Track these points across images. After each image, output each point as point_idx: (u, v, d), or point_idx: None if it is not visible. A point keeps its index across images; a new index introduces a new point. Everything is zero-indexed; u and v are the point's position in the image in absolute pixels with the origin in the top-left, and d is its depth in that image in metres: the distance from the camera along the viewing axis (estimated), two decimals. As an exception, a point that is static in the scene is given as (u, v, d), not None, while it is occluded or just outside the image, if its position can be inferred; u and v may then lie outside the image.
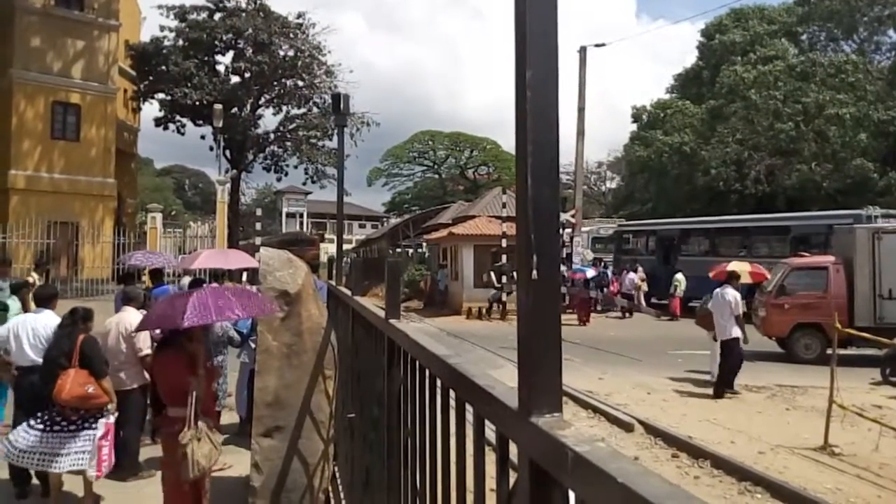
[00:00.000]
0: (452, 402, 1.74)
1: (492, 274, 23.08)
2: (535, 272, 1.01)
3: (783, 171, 32.55)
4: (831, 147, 30.94)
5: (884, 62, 35.45)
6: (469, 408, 1.48)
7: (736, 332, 10.78)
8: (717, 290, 11.20)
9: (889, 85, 31.56)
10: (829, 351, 10.09)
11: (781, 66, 32.86)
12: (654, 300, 24.26)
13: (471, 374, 1.42)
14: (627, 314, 22.87)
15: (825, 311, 12.43)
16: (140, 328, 5.19)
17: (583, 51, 27.31)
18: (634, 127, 43.97)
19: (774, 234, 22.41)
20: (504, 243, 22.75)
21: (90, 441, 5.43)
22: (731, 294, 10.91)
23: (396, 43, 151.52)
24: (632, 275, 23.23)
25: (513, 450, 1.21)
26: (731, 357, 10.81)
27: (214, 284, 4.91)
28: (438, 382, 1.77)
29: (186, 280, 12.79)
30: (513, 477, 1.24)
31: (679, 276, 22.39)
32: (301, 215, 68.06)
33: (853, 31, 36.06)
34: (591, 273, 23.52)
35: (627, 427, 8.85)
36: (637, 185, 44.79)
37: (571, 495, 0.93)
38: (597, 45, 27.78)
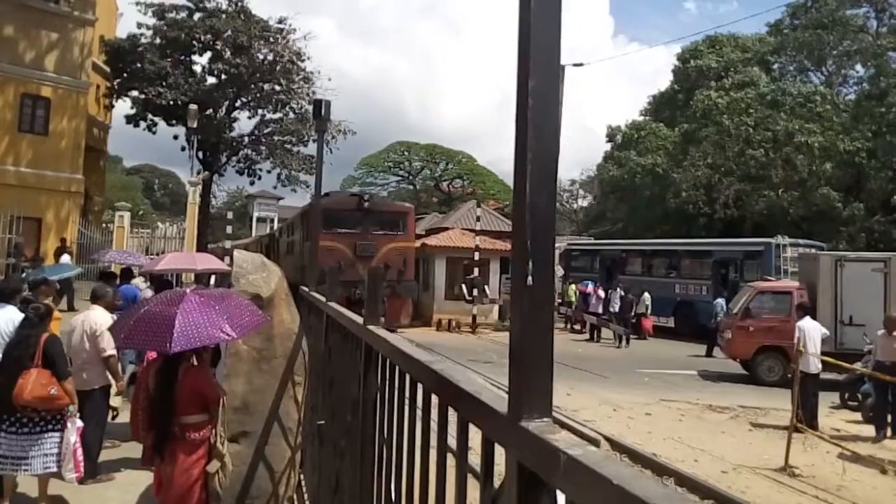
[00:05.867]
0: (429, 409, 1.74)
1: (463, 286, 23.12)
2: (530, 278, 1.02)
3: (751, 196, 33.22)
4: (799, 175, 31.67)
5: (850, 95, 36.50)
6: (451, 415, 1.48)
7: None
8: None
9: (854, 118, 32.44)
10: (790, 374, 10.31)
11: (753, 93, 33.60)
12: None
13: (456, 380, 1.42)
14: (595, 335, 22.57)
15: (788, 334, 12.66)
16: (125, 345, 4.83)
17: (561, 70, 27.61)
18: (608, 147, 44.54)
19: (699, 258, 24.15)
20: (476, 256, 22.79)
21: (56, 443, 5.30)
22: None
23: (369, 51, 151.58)
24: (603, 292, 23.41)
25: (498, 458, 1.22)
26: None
27: (187, 289, 4.67)
28: (420, 388, 1.77)
29: (139, 280, 12.15)
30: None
31: (646, 295, 22.68)
32: (272, 220, 67.49)
33: (822, 64, 37.07)
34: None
35: (594, 443, 8.90)
36: (609, 205, 45.30)
37: (560, 498, 0.94)
38: (575, 65, 28.15)
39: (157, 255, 24.95)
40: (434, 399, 1.63)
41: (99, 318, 6.49)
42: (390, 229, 20.48)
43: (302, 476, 5.41)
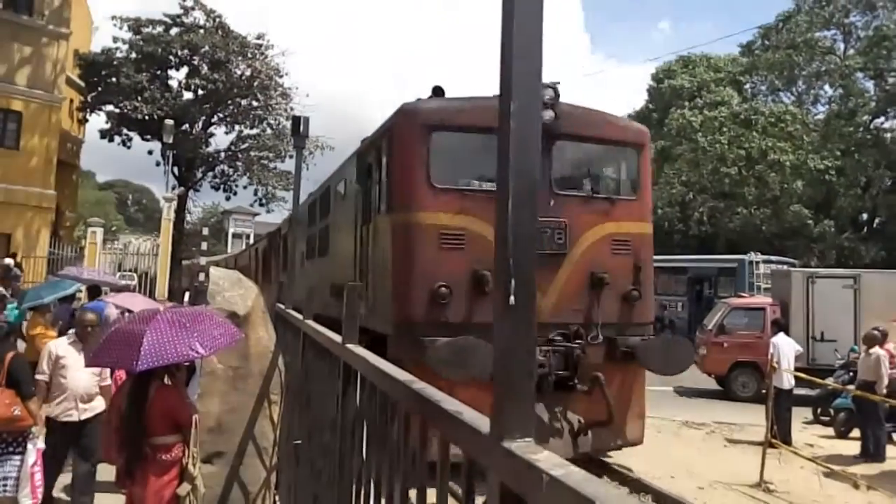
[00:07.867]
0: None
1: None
2: (512, 297, 1.02)
3: (725, 213, 33.74)
4: (771, 192, 32.26)
5: (819, 114, 37.36)
6: (431, 434, 1.47)
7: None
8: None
9: (823, 137, 33.19)
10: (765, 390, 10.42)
11: (726, 112, 34.23)
12: None
13: (437, 399, 1.42)
14: None
15: (762, 350, 12.81)
16: (94, 363, 4.69)
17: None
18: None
19: (673, 274, 24.44)
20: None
21: (17, 467, 5.14)
22: None
23: (346, 67, 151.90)
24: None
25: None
26: None
27: (160, 307, 4.58)
28: (399, 408, 1.76)
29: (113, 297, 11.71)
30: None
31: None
32: (248, 236, 66.94)
33: (793, 84, 37.91)
34: None
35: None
36: (585, 221, 45.56)
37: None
38: (552, 84, 28.39)
39: (130, 271, 24.71)
40: (414, 418, 1.62)
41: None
42: (602, 183, 8.90)
43: (277, 497, 5.32)
